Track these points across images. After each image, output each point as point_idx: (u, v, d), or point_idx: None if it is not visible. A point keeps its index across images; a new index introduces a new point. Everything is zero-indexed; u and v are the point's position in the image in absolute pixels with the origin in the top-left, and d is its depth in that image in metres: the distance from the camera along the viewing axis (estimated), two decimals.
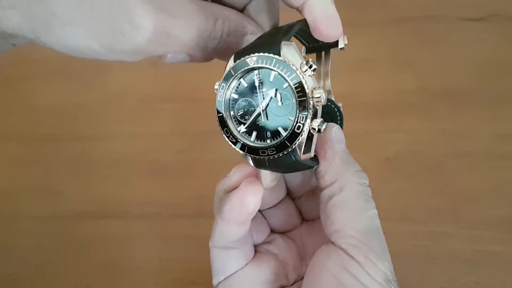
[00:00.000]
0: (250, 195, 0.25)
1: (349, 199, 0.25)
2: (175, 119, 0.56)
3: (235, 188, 0.26)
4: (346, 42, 0.28)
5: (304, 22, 0.25)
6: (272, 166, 0.25)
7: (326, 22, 0.25)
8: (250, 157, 0.25)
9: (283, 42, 0.24)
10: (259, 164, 0.25)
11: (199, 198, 0.49)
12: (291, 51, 0.24)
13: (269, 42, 0.24)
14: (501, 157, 0.49)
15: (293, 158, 0.24)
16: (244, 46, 0.26)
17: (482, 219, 0.46)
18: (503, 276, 0.42)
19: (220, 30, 0.24)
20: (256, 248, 0.30)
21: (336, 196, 0.25)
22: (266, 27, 0.27)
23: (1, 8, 0.21)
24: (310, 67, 0.24)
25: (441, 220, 0.46)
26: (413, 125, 0.53)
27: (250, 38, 0.26)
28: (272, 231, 0.32)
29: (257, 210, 0.26)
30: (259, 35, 0.26)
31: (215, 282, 0.28)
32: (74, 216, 0.51)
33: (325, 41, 0.26)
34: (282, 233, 0.32)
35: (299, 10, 0.25)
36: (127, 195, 0.51)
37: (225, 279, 0.28)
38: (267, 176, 0.27)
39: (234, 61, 0.24)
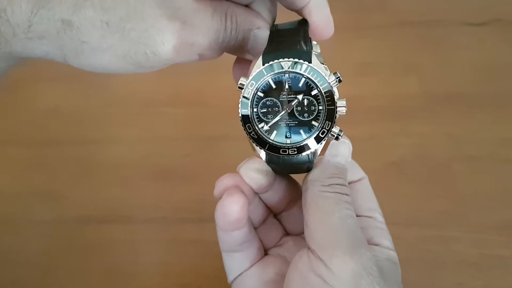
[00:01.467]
0: (229, 205, 0.26)
1: (318, 205, 0.26)
2: (179, 124, 0.56)
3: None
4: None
5: (306, 23, 0.27)
6: (285, 164, 0.27)
7: (324, 23, 0.27)
8: (265, 153, 0.27)
9: (313, 52, 0.26)
10: (272, 161, 0.27)
11: (204, 202, 0.48)
12: (319, 61, 0.26)
13: (299, 48, 0.26)
14: (507, 160, 0.49)
15: (308, 159, 0.27)
16: (252, 40, 0.27)
17: (489, 223, 0.46)
18: (511, 280, 0.42)
19: (230, 27, 0.25)
20: (268, 251, 0.32)
21: (308, 203, 0.26)
22: (268, 21, 0.28)
23: (29, 39, 0.22)
24: (337, 78, 0.26)
25: (448, 224, 0.46)
26: (418, 129, 0.53)
27: (257, 33, 0.27)
28: (288, 234, 0.32)
29: (243, 218, 0.27)
30: (266, 30, 0.27)
31: (228, 281, 0.30)
32: (78, 220, 0.50)
33: (321, 39, 0.28)
34: (299, 235, 0.32)
35: (298, 12, 0.27)
36: (131, 199, 0.51)
37: (234, 279, 0.30)
38: (258, 171, 0.28)
39: (264, 62, 0.26)
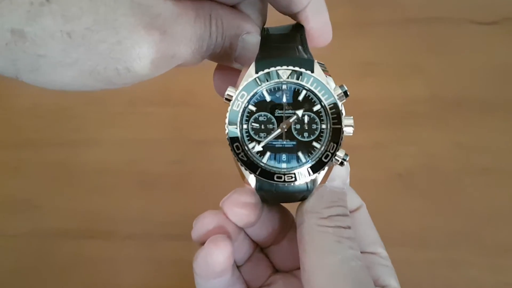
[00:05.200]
0: (214, 256, 0.23)
1: (316, 244, 0.23)
2: (168, 125, 0.51)
3: (203, 242, 0.24)
4: None
5: (302, 28, 0.24)
6: (278, 192, 0.23)
7: (322, 30, 0.24)
8: (255, 179, 0.23)
9: (316, 60, 0.22)
10: (263, 189, 0.23)
11: (195, 216, 0.44)
12: (320, 71, 0.22)
13: (298, 55, 0.23)
14: None
15: (307, 187, 0.23)
16: (240, 46, 0.24)
17: (505, 245, 0.41)
18: None
19: (215, 33, 0.23)
20: None
21: (304, 240, 0.23)
22: (258, 25, 0.26)
23: None
24: (344, 92, 0.22)
25: (460, 246, 0.42)
26: (425, 136, 0.48)
27: (246, 39, 0.24)
28: (277, 270, 0.29)
29: (228, 267, 0.24)
30: (256, 34, 0.24)
31: None
32: (55, 234, 0.45)
33: (317, 46, 0.25)
34: (289, 272, 0.29)
35: (293, 16, 0.24)
36: (114, 211, 0.46)
37: None
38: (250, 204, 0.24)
39: (257, 71, 0.22)
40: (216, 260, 0.23)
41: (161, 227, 0.45)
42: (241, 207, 0.24)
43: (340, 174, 0.24)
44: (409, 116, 0.49)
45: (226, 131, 0.23)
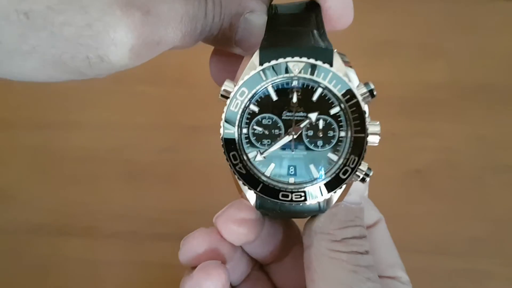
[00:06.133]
0: (205, 286, 0.21)
1: (327, 273, 0.20)
2: (159, 107, 0.47)
3: (193, 266, 0.22)
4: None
5: (318, 7, 0.21)
6: (283, 212, 0.20)
7: (341, 10, 0.22)
8: (256, 195, 0.20)
9: (335, 50, 0.19)
10: (264, 207, 0.20)
11: (187, 212, 0.41)
12: (340, 63, 0.19)
13: (313, 44, 0.20)
14: None
15: (319, 207, 0.20)
16: (242, 28, 0.21)
17: None
18: None
19: (211, 12, 0.20)
20: None
21: (313, 267, 0.21)
22: (265, 2, 0.23)
23: None
24: (370, 91, 0.19)
25: (482, 254, 0.39)
26: (445, 128, 0.45)
27: (249, 18, 0.22)
28: None
29: None
30: (262, 14, 0.22)
31: None
32: (28, 230, 0.42)
33: (334, 29, 0.22)
34: None
35: None
36: (95, 206, 0.43)
37: None
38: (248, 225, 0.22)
39: (261, 62, 0.19)
40: None
41: (148, 224, 0.42)
42: (238, 224, 0.22)
43: (357, 188, 0.21)
44: (427, 104, 0.46)
45: (221, 133, 0.19)
